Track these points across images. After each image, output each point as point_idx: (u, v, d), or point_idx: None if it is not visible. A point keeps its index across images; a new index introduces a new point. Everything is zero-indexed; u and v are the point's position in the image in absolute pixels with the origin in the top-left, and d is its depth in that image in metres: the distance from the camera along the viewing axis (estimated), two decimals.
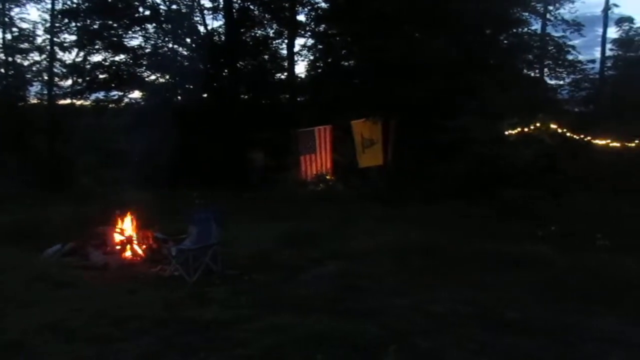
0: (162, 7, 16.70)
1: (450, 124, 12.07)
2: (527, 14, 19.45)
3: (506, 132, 11.44)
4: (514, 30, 17.52)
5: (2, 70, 19.04)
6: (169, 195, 11.41)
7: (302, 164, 14.49)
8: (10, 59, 18.90)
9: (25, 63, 19.08)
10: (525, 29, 20.08)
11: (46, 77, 18.69)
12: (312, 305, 4.86)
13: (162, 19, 16.57)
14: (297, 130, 14.73)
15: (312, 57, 19.72)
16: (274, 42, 19.23)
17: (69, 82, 17.79)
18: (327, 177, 13.70)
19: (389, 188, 12.75)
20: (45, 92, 18.86)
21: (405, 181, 12.61)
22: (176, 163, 13.45)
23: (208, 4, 17.68)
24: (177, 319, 4.51)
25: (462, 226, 8.64)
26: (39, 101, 19.54)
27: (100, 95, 17.11)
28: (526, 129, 11.27)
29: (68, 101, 18.64)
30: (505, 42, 16.93)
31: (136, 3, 16.21)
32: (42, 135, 18.44)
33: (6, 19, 18.37)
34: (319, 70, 19.03)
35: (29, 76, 19.29)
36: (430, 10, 13.32)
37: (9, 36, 18.39)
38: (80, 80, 17.18)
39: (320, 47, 18.99)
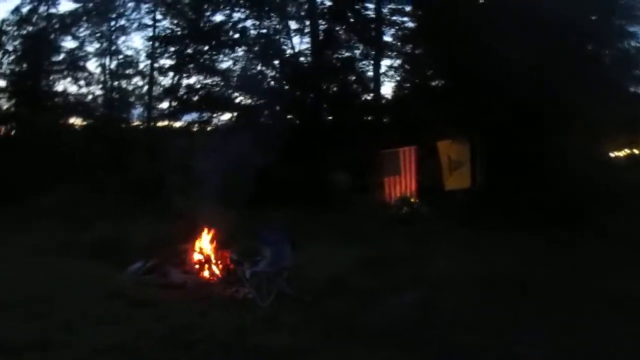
0: (251, 30, 17.15)
1: (547, 145, 11.25)
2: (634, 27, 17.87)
3: (612, 154, 10.40)
4: (619, 44, 16.14)
5: (109, 95, 20.47)
6: (250, 215, 11.45)
7: (385, 185, 14.07)
8: (115, 83, 20.30)
9: (129, 87, 20.41)
10: (633, 43, 18.44)
11: (146, 100, 19.84)
12: (386, 338, 4.51)
13: (251, 42, 17.00)
14: (382, 151, 14.38)
15: (398, 78, 19.40)
16: (359, 63, 19.11)
17: (165, 104, 18.72)
18: (411, 200, 13.17)
19: (477, 212, 12.00)
20: (144, 113, 20.04)
21: (494, 205, 11.82)
22: (259, 183, 13.54)
23: (294, 26, 17.91)
24: (245, 346, 4.33)
25: (559, 256, 7.84)
26: (139, 123, 20.79)
27: (192, 117, 17.83)
28: (636, 151, 10.16)
29: (164, 123, 19.65)
30: (609, 56, 15.60)
31: (227, 27, 16.77)
32: (138, 155, 19.47)
33: (113, 47, 19.79)
34: (405, 91, 18.65)
35: (131, 100, 20.62)
36: (525, 25, 12.58)
37: (114, 63, 19.71)
38: (174, 102, 17.98)
39: (407, 67, 18.64)
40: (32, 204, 13.46)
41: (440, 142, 13.56)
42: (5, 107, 17.53)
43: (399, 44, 19.03)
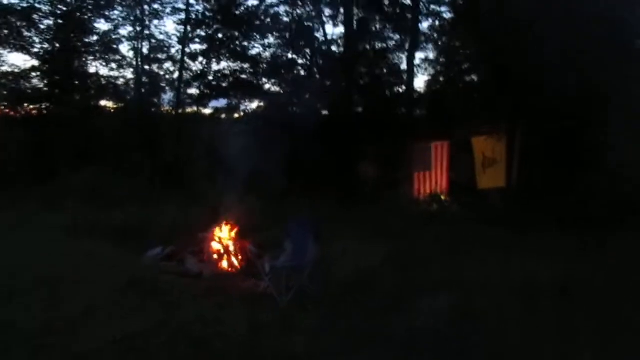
0: (284, 17, 16.82)
1: (590, 144, 10.60)
2: None
3: None
4: None
5: (141, 79, 20.41)
6: (275, 205, 11.16)
7: (415, 181, 13.58)
8: (147, 67, 20.20)
9: (160, 72, 20.31)
10: None
11: (176, 85, 19.70)
12: (415, 343, 4.12)
13: (283, 28, 16.67)
14: (413, 145, 13.89)
15: (433, 71, 18.81)
16: (393, 54, 18.59)
17: (195, 90, 18.56)
18: (442, 197, 12.67)
19: (511, 212, 11.43)
20: (174, 99, 19.91)
21: (530, 205, 11.23)
22: (286, 172, 13.25)
23: (328, 13, 17.47)
24: (260, 347, 4.00)
25: (601, 260, 7.24)
26: (169, 108, 20.71)
27: (221, 103, 17.64)
28: None
29: (193, 108, 19.54)
30: None
31: (260, 12, 16.49)
32: (167, 140, 19.40)
33: (145, 32, 19.69)
34: (439, 85, 18.07)
35: (162, 85, 20.53)
36: (572, 18, 11.88)
37: (146, 47, 19.60)
38: (202, 88, 17.81)
39: (442, 60, 18.04)
40: (61, 184, 13.44)
41: (474, 138, 12.99)
42: (38, 86, 17.53)
43: (435, 35, 18.45)
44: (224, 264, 6.62)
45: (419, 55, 18.40)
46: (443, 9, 17.40)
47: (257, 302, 5.30)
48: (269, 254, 6.13)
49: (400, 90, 18.34)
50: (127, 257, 6.72)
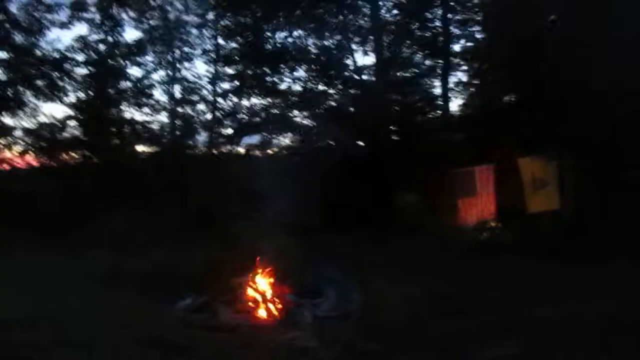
0: (312, 49, 16.58)
1: None
2: None
3: None
4: None
5: (174, 122, 20.50)
6: (313, 244, 10.57)
7: (460, 208, 12.81)
8: (180, 110, 20.29)
9: (192, 113, 20.37)
10: None
11: (208, 125, 19.67)
12: None
13: (312, 60, 16.41)
14: (455, 170, 13.16)
15: (468, 92, 18.16)
16: (426, 79, 18.06)
17: (226, 129, 18.46)
18: (492, 224, 11.84)
19: (568, 240, 10.50)
20: (207, 139, 19.85)
21: (588, 231, 10.29)
22: (322, 208, 12.70)
23: (357, 42, 17.13)
24: None
25: None
26: (201, 149, 20.67)
27: (253, 139, 17.42)
28: None
29: (226, 147, 19.40)
30: None
31: (287, 46, 16.30)
32: (199, 181, 19.24)
33: (177, 75, 19.83)
34: (476, 107, 17.38)
35: (195, 126, 20.56)
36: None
37: (177, 89, 19.70)
38: (234, 125, 17.67)
39: (476, 82, 17.40)
40: (93, 230, 13.25)
41: (521, 159, 12.20)
42: (73, 134, 17.73)
43: (468, 58, 17.85)
44: (261, 313, 6.04)
45: (453, 79, 17.81)
46: (475, 28, 16.76)
47: (298, 358, 4.67)
48: (308, 300, 5.50)
49: (436, 115, 17.74)
50: (154, 309, 6.22)
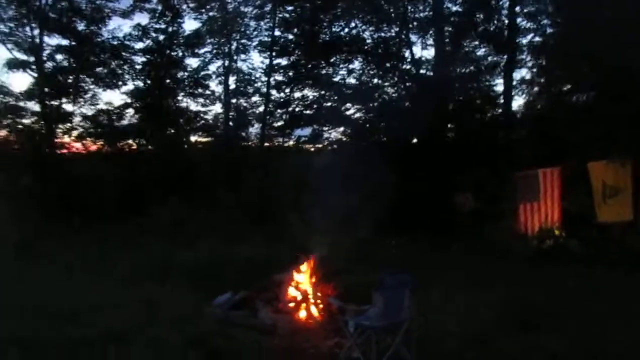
0: (368, 40, 16.07)
1: None
2: None
3: None
4: None
5: (229, 113, 20.53)
6: (363, 244, 10.11)
7: (521, 213, 11.97)
8: (234, 101, 20.28)
9: (247, 105, 20.33)
10: None
11: (262, 117, 19.56)
12: None
13: (368, 50, 15.90)
14: (517, 173, 12.33)
15: (533, 90, 17.10)
16: (488, 75, 17.17)
17: (279, 121, 18.23)
18: (556, 232, 10.97)
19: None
20: (260, 131, 19.75)
21: None
22: (375, 206, 12.19)
23: (417, 34, 16.47)
24: None
25: None
26: (255, 141, 20.61)
27: (305, 132, 17.17)
28: None
29: (279, 140, 19.24)
30: None
31: (344, 37, 15.88)
32: (252, 174, 19.18)
33: (233, 66, 19.81)
34: (541, 105, 16.32)
35: (249, 117, 20.51)
36: None
37: (232, 81, 19.68)
38: (286, 116, 17.44)
39: (542, 80, 16.33)
40: (147, 220, 13.37)
41: (591, 163, 11.24)
42: (131, 122, 18.02)
43: (534, 53, 16.78)
44: (302, 314, 5.66)
45: (517, 75, 16.83)
46: (544, 22, 15.70)
47: None
48: (354, 306, 5.05)
49: (497, 113, 16.83)
50: (196, 305, 5.97)
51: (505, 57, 16.28)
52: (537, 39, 16.18)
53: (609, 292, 6.65)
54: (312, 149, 17.68)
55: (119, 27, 17.06)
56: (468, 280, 7.02)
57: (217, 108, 20.02)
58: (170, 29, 17.83)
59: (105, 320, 5.31)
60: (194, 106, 19.22)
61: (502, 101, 16.72)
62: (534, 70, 16.75)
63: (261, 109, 18.83)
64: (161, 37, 17.79)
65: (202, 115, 19.64)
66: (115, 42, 16.94)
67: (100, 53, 16.90)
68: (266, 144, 18.98)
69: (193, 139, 20.31)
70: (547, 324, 5.23)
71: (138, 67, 17.81)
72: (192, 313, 5.62)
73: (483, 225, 11.80)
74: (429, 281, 5.54)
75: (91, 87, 17.31)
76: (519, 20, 16.04)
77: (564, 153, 12.18)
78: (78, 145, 17.36)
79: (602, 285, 7.08)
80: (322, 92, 16.69)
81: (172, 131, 19.29)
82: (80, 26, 16.61)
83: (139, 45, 17.50)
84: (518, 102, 18.15)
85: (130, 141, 18.09)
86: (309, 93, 17.00)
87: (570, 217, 11.52)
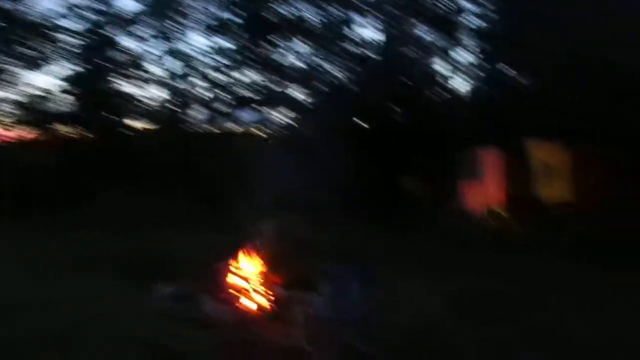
0: (315, 22, 15.76)
1: None
2: None
3: None
4: None
5: (173, 97, 19.69)
6: (312, 229, 9.89)
7: (467, 195, 12.14)
8: (176, 84, 19.44)
9: (189, 88, 19.54)
10: None
11: (205, 101, 18.91)
12: None
13: (314, 32, 15.61)
14: (462, 155, 12.45)
15: (477, 73, 17.36)
16: (433, 58, 17.25)
17: (224, 104, 17.65)
18: (501, 214, 11.16)
19: (587, 234, 9.78)
20: (206, 116, 19.11)
21: (611, 228, 9.58)
22: (324, 192, 12.01)
23: (362, 15, 16.29)
24: None
25: None
26: (203, 127, 19.93)
27: (252, 117, 16.71)
28: None
29: (227, 125, 18.69)
30: None
31: (287, 17, 15.50)
32: (199, 160, 18.56)
33: (174, 47, 18.96)
34: (486, 88, 16.59)
35: (195, 102, 19.76)
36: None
37: (176, 63, 18.84)
38: (231, 100, 16.93)
39: (485, 64, 16.59)
40: (84, 208, 12.64)
41: (533, 144, 11.51)
42: (64, 108, 16.94)
43: (478, 37, 17.02)
44: (249, 305, 5.38)
45: (462, 58, 17.01)
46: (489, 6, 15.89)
47: None
48: (302, 295, 4.82)
49: (444, 96, 16.99)
50: (135, 300, 5.57)
51: (451, 40, 16.43)
52: (482, 23, 16.46)
53: (555, 278, 6.73)
54: (260, 134, 17.26)
55: (46, 4, 15.90)
56: (417, 268, 6.95)
57: (159, 92, 19.15)
58: (104, 7, 16.81)
59: (28, 320, 4.85)
60: (133, 90, 18.26)
61: (448, 84, 16.89)
62: (479, 53, 17.06)
63: (206, 92, 18.19)
64: (94, 16, 16.75)
65: (142, 99, 18.72)
66: (43, 21, 15.78)
67: (23, 30, 15.68)
68: (212, 130, 18.38)
69: (134, 124, 19.43)
70: (499, 314, 5.18)
71: (70, 48, 16.69)
72: (130, 309, 5.22)
73: (431, 210, 11.87)
74: (377, 270, 5.36)
75: (17, 69, 16.08)
76: (465, 3, 16.22)
77: (508, 135, 12.41)
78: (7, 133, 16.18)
79: (548, 271, 7.18)
80: (269, 76, 16.27)
81: (110, 116, 18.36)
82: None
83: (70, 24, 16.39)
84: (463, 85, 18.44)
85: (63, 127, 17.02)
86: (255, 76, 16.53)
87: (514, 199, 11.80)
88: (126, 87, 18.16)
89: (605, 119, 9.76)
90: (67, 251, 7.83)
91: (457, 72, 16.87)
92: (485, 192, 12.05)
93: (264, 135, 17.38)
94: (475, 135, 13.47)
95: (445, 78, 16.79)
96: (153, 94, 18.85)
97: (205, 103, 18.77)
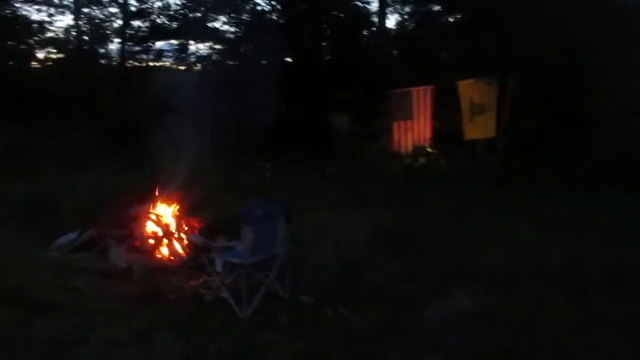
0: None
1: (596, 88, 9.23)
2: None
3: None
4: None
5: (80, 25, 17.85)
6: (236, 166, 9.36)
7: (395, 132, 11.96)
8: (86, 11, 17.57)
9: (101, 15, 17.77)
10: None
11: (118, 30, 17.31)
12: None
13: None
14: (390, 91, 12.19)
15: (405, 10, 16.93)
16: None
17: (138, 33, 16.22)
18: (428, 150, 11.13)
19: (506, 168, 10.01)
20: (119, 49, 17.56)
21: (527, 161, 9.83)
22: (247, 129, 11.40)
23: None
24: None
25: None
26: (115, 58, 18.36)
27: (168, 46, 15.51)
28: None
29: (141, 58, 17.31)
30: None
31: None
32: (109, 94, 17.15)
33: None
34: (414, 25, 16.25)
35: (106, 32, 18.06)
36: None
37: None
38: (146, 28, 15.57)
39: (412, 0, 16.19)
40: None
41: (461, 82, 11.40)
42: None
43: None
44: (162, 252, 4.89)
45: None
46: None
47: (205, 319, 3.62)
48: (221, 241, 4.40)
49: (371, 31, 16.50)
50: (29, 248, 4.91)
51: None
52: None
53: (478, 209, 6.72)
54: (178, 68, 16.12)
55: None
56: (343, 203, 6.71)
57: (68, 19, 17.29)
58: None
59: None
60: (37, 16, 16.35)
61: (376, 20, 16.38)
62: None
63: (119, 21, 16.60)
64: None
65: (48, 26, 16.83)
66: None
67: None
68: (126, 63, 16.94)
69: (40, 55, 17.53)
70: (423, 248, 5.04)
71: None
72: (21, 259, 4.57)
73: (358, 146, 11.66)
74: (302, 207, 5.01)
75: None
76: None
77: (436, 72, 12.24)
78: None
79: (471, 203, 7.18)
80: (186, 2, 15.00)
81: (10, 43, 16.43)
82: None
83: None
84: (391, 22, 17.98)
85: None
86: (172, 2, 15.20)
87: (440, 135, 11.80)
88: (29, 12, 16.36)
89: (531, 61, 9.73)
90: None
91: (387, 9, 16.40)
92: (413, 129, 11.95)
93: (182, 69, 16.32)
94: (406, 73, 13.25)
95: (376, 14, 16.30)
96: (63, 21, 17.13)
97: (117, 32, 17.23)
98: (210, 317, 3.64)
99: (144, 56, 16.85)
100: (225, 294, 3.83)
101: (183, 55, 15.60)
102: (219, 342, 3.24)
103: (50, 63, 17.46)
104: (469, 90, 11.37)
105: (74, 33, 17.31)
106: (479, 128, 11.33)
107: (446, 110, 11.90)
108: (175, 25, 15.13)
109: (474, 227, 5.90)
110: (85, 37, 17.61)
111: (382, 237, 5.22)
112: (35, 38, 16.90)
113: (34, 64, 17.33)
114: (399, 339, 3.30)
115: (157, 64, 16.37)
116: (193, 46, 15.50)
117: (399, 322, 3.54)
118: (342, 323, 3.57)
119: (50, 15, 16.65)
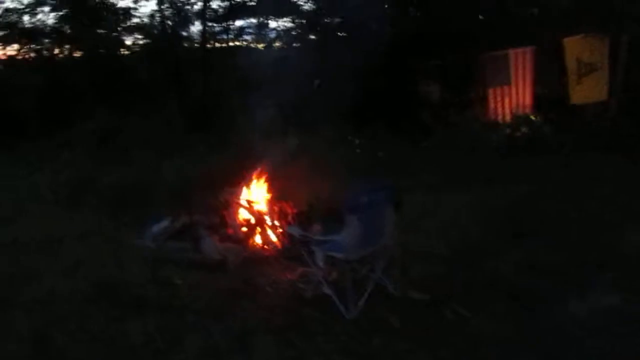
0: None
1: None
2: None
3: None
4: None
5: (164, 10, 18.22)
6: (324, 144, 8.94)
7: (491, 99, 11.02)
8: None
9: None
10: None
11: (200, 13, 17.46)
12: None
13: None
14: (484, 54, 11.21)
15: None
16: None
17: (219, 14, 16.24)
18: (532, 118, 10.13)
19: (622, 135, 8.87)
20: (199, 29, 17.75)
21: None
22: (333, 103, 10.97)
23: None
24: None
25: None
26: (197, 40, 18.62)
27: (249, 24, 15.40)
28: None
29: (223, 38, 17.40)
30: None
31: None
32: (196, 76, 17.40)
33: None
34: None
35: (188, 15, 18.33)
36: None
37: None
38: (226, 8, 15.50)
39: None
40: (71, 131, 11.69)
41: (567, 39, 10.23)
42: (46, 22, 15.59)
43: None
44: (257, 241, 4.60)
45: None
46: None
47: (307, 317, 3.27)
48: (320, 231, 3.98)
49: None
50: (122, 235, 4.81)
51: None
52: None
53: (600, 183, 5.86)
54: (259, 46, 15.96)
55: None
56: (443, 180, 6.07)
57: (151, 4, 17.65)
58: None
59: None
60: (123, 2, 16.76)
61: None
62: None
63: (200, 3, 16.72)
64: None
65: (133, 12, 17.26)
66: None
67: None
68: (207, 44, 17.07)
69: (127, 41, 18.12)
70: (545, 231, 4.38)
71: None
72: (114, 248, 4.47)
73: (452, 116, 10.85)
74: (402, 187, 4.50)
75: None
76: None
77: (537, 30, 11.11)
78: None
79: (590, 176, 6.30)
80: None
81: (100, 31, 17.03)
82: None
83: None
84: None
85: (49, 44, 15.77)
86: None
87: (543, 100, 10.74)
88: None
89: None
90: (51, 181, 6.94)
91: None
92: (512, 94, 10.99)
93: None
94: (503, 33, 12.14)
95: None
96: (147, 7, 17.48)
97: (200, 15, 17.36)
98: (312, 316, 3.27)
99: (224, 36, 16.92)
100: (327, 291, 3.44)
101: (263, 32, 15.40)
102: (324, 348, 2.86)
103: (137, 49, 18.00)
104: (577, 48, 10.21)
105: (157, 18, 17.69)
106: (588, 90, 10.19)
107: (549, 72, 10.80)
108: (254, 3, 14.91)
109: (599, 205, 5.11)
110: (169, 22, 17.96)
111: (494, 219, 4.60)
112: (123, 25, 17.42)
113: (122, 50, 17.99)
114: (537, 348, 2.75)
115: (237, 43, 16.38)
116: (273, 22, 15.26)
117: (533, 326, 2.98)
118: (464, 327, 3.07)
119: (135, 1, 17.04)
